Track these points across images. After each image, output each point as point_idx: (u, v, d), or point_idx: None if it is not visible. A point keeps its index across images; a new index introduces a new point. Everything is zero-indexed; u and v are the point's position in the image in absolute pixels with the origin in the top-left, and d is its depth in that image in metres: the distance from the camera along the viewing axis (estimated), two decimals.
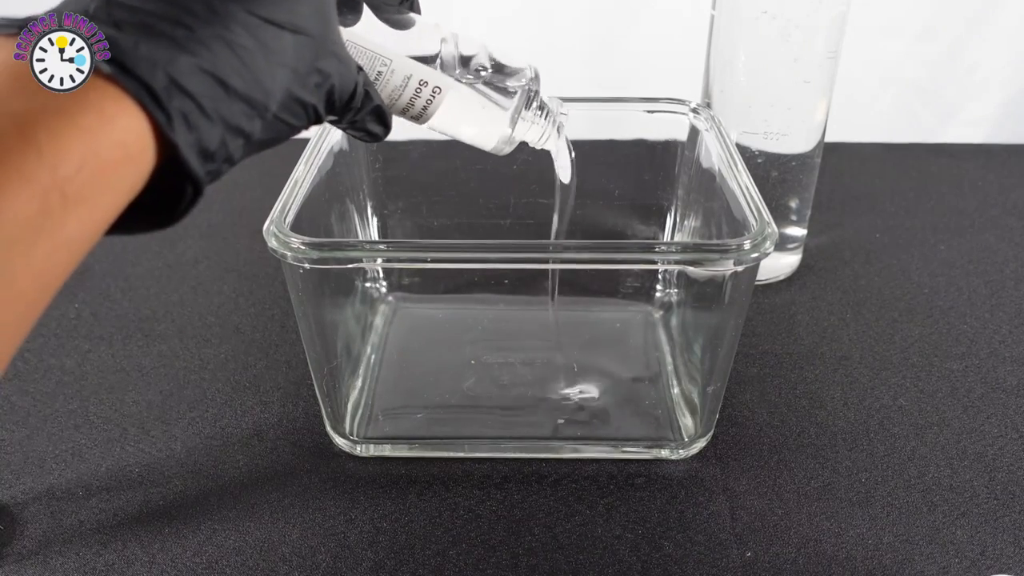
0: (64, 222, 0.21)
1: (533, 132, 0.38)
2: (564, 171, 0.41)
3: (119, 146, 0.22)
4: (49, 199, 0.21)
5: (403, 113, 0.35)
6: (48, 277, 0.22)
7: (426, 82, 0.34)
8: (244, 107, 0.25)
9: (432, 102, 0.35)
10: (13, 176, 0.20)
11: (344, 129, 0.33)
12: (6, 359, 0.22)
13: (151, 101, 0.23)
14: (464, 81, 0.35)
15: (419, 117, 0.35)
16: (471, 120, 0.36)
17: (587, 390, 0.48)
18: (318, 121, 0.30)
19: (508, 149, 0.38)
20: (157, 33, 0.23)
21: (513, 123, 0.37)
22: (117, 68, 0.22)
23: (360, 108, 0.31)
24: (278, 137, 0.28)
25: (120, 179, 0.23)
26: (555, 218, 0.45)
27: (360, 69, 0.31)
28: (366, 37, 0.34)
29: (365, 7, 0.34)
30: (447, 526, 0.44)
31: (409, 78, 0.34)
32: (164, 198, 0.25)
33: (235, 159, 0.26)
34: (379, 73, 0.34)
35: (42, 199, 0.21)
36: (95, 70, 0.22)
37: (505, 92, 0.36)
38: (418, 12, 0.36)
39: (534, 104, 0.37)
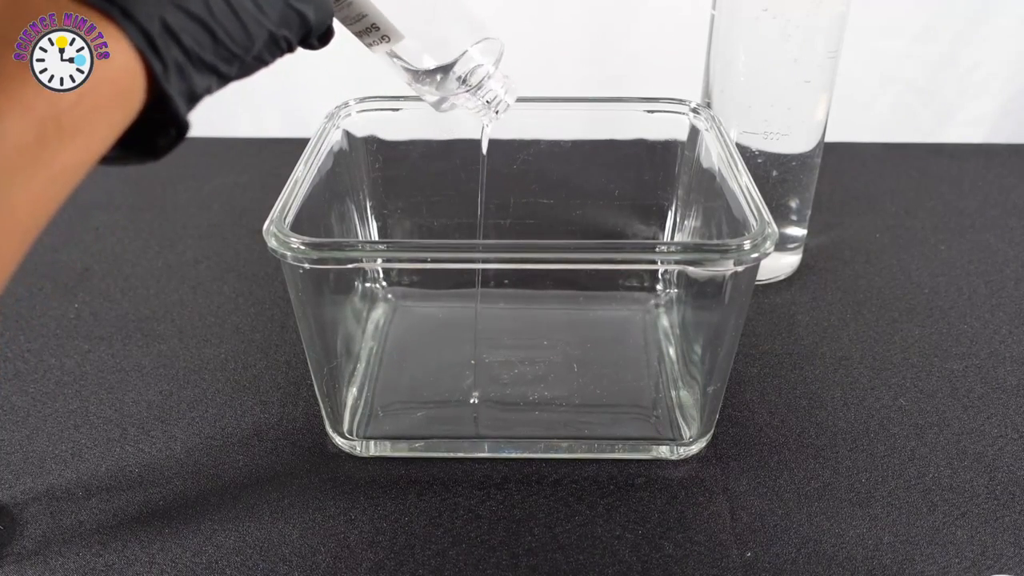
0: (59, 152, 0.22)
1: (466, 102, 0.38)
2: (484, 144, 0.41)
3: (113, 83, 0.23)
4: (46, 129, 0.21)
5: (350, 28, 0.35)
6: (43, 206, 0.22)
7: (377, 27, 0.34)
8: (229, 54, 0.26)
9: (378, 44, 0.34)
10: (14, 104, 0.21)
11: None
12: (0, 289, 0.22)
13: (149, 48, 0.23)
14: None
15: (369, 47, 0.35)
16: (414, 68, 0.35)
17: None
18: (290, 51, 0.30)
19: (444, 107, 0.38)
20: None
21: (440, 93, 0.36)
22: (118, 10, 0.23)
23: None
24: (251, 72, 0.29)
25: (112, 114, 0.23)
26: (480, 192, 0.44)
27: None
28: None
29: None
30: (447, 526, 0.44)
31: (362, 17, 0.33)
32: (147, 133, 0.25)
33: (211, 93, 0.27)
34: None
35: (39, 128, 0.21)
36: (95, 7, 0.23)
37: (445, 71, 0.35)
38: None
39: (465, 85, 0.36)
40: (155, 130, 0.25)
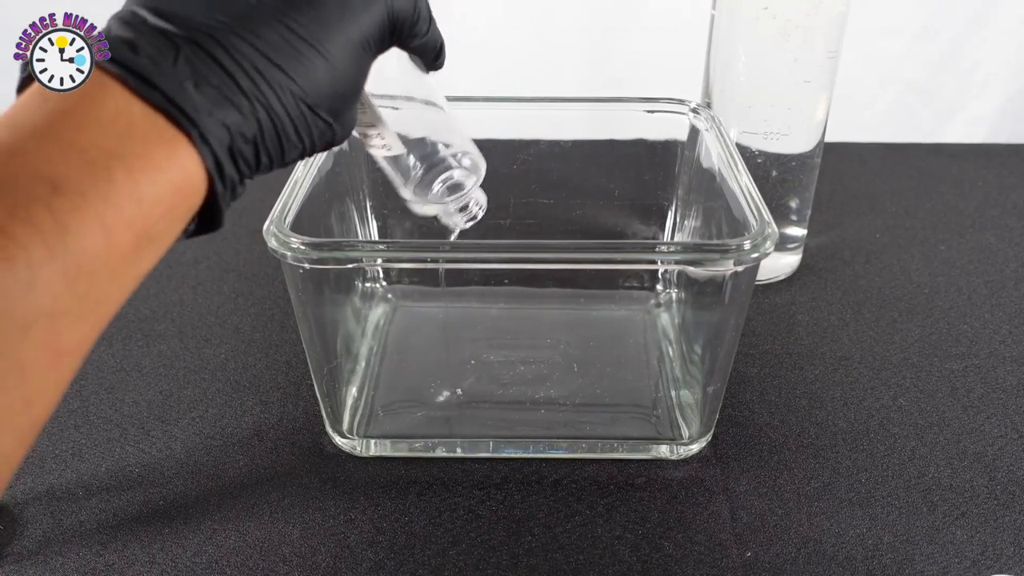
0: (144, 258, 0.25)
1: (445, 208, 0.40)
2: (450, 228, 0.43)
3: (187, 198, 0.26)
4: (141, 240, 0.24)
5: (357, 130, 0.37)
6: (119, 306, 0.25)
7: (381, 137, 0.37)
8: (268, 167, 0.29)
9: (375, 150, 0.37)
10: (121, 218, 0.23)
11: None
12: (71, 377, 0.24)
13: (216, 171, 0.26)
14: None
15: (366, 146, 0.38)
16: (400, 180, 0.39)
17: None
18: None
19: (423, 213, 0.41)
20: (224, 98, 0.26)
21: (425, 199, 0.39)
22: (197, 134, 0.25)
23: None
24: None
25: (183, 222, 0.26)
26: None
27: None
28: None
29: None
30: (447, 526, 0.44)
31: (371, 127, 0.36)
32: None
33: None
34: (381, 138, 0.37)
35: (137, 240, 0.24)
36: (179, 125, 0.25)
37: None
38: (441, 67, 0.38)
39: (448, 194, 0.39)
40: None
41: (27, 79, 0.25)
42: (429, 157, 0.37)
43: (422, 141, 0.37)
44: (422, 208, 0.40)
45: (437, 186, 0.38)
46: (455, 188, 0.38)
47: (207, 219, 0.27)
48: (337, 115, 0.30)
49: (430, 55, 0.36)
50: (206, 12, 0.26)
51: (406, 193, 0.39)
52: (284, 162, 0.29)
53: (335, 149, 0.52)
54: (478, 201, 0.40)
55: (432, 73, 0.38)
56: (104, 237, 0.23)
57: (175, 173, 0.25)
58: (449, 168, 0.37)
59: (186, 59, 0.25)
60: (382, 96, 0.36)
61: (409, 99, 0.37)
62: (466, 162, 0.38)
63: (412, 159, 0.37)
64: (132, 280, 0.25)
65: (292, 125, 0.28)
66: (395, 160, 0.37)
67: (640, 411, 0.52)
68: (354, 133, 0.36)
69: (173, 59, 0.25)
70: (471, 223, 0.41)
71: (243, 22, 0.26)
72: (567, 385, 0.53)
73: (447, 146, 0.37)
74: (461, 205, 0.40)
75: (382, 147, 0.37)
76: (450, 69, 0.38)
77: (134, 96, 0.24)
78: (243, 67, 0.26)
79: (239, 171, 0.27)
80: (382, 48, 0.31)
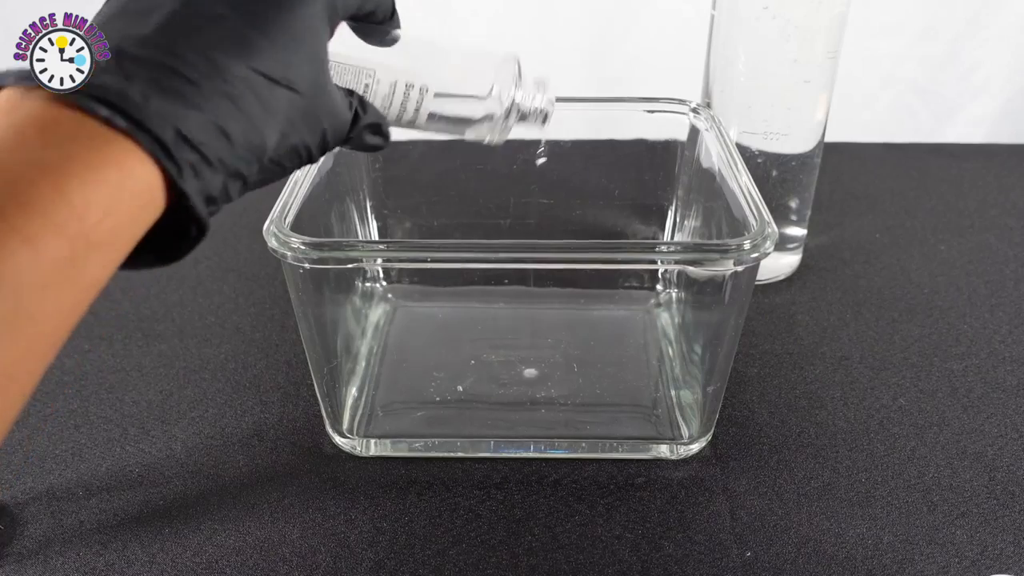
0: (88, 266, 0.23)
1: (512, 120, 0.39)
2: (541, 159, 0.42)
3: (136, 195, 0.24)
4: (76, 245, 0.23)
5: (398, 121, 0.36)
6: (69, 318, 0.24)
7: (412, 84, 0.35)
8: (244, 155, 0.27)
9: (421, 103, 0.35)
10: (48, 225, 0.22)
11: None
12: (21, 401, 0.24)
13: (163, 154, 0.24)
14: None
15: (413, 121, 0.36)
16: (459, 116, 0.37)
17: None
18: (311, 161, 0.31)
19: (501, 138, 0.39)
20: (166, 88, 0.25)
21: (494, 115, 0.37)
22: (132, 123, 0.24)
23: (355, 134, 0.33)
24: (274, 177, 0.31)
25: (136, 224, 0.25)
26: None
27: (351, 93, 0.32)
28: (346, 52, 0.34)
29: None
30: (447, 526, 0.44)
31: (395, 84, 0.35)
32: (168, 236, 0.27)
33: (233, 199, 0.28)
34: (366, 86, 0.35)
35: (71, 245, 0.23)
36: (110, 123, 0.24)
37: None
38: (398, 27, 0.36)
39: (507, 106, 0.38)
40: (176, 234, 0.27)
41: None
42: (467, 83, 0.36)
43: (449, 74, 0.36)
44: (496, 128, 0.38)
45: (513, 119, 0.37)
46: (508, 95, 0.37)
47: (182, 216, 0.26)
48: (308, 87, 0.29)
49: (383, 16, 0.35)
50: (153, 37, 0.26)
51: (474, 131, 0.37)
52: (272, 155, 0.28)
53: (335, 149, 0.52)
54: (538, 88, 0.39)
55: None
56: (26, 246, 0.22)
57: (110, 172, 0.23)
58: (492, 83, 0.36)
59: (119, 66, 0.25)
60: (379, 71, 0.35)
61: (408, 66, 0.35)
62: (499, 64, 0.37)
63: (451, 93, 0.36)
64: (76, 291, 0.23)
65: (258, 104, 0.27)
66: (439, 109, 0.36)
67: (640, 411, 0.52)
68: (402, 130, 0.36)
69: (110, 68, 0.24)
70: (550, 112, 0.40)
71: (181, 29, 0.26)
72: (567, 385, 0.53)
73: (472, 62, 0.36)
74: (527, 104, 0.38)
75: (419, 109, 0.36)
76: None
77: (62, 105, 0.24)
78: (185, 59, 0.25)
79: (199, 152, 0.25)
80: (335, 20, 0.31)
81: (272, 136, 0.28)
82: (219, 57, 0.26)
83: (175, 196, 0.25)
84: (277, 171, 0.30)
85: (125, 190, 0.24)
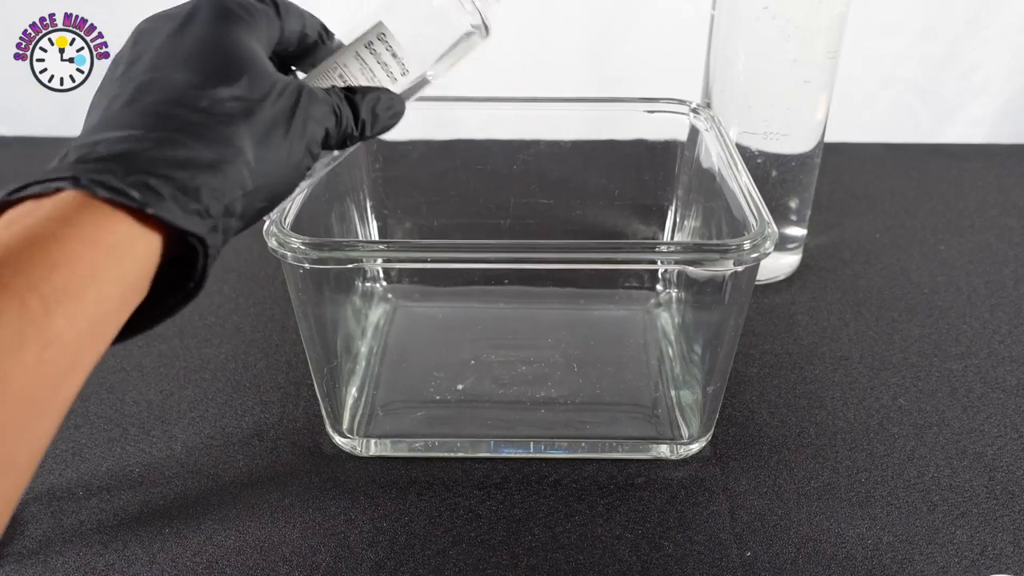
0: (50, 321, 0.22)
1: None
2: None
3: (94, 243, 0.24)
4: (27, 301, 0.22)
5: (399, 83, 0.36)
6: (47, 376, 0.23)
7: (369, 41, 0.35)
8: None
9: (393, 48, 0.35)
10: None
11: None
12: (16, 460, 0.22)
13: (123, 197, 0.24)
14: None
15: (412, 73, 0.36)
16: (425, 28, 0.36)
17: None
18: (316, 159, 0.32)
19: (486, 18, 0.37)
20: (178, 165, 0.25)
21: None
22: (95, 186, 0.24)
23: (363, 132, 0.34)
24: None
25: (104, 272, 0.24)
26: None
27: (337, 113, 0.32)
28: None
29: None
30: (447, 526, 0.44)
31: (358, 54, 0.35)
32: (181, 274, 0.27)
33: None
34: (340, 76, 0.35)
35: (20, 302, 0.22)
36: (57, 189, 0.24)
37: None
38: (332, 39, 0.37)
39: None
40: (186, 269, 0.27)
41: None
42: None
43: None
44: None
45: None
46: None
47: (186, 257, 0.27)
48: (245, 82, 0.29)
49: (314, 35, 0.35)
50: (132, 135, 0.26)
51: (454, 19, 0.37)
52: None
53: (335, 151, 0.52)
54: None
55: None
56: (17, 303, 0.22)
57: (54, 225, 0.23)
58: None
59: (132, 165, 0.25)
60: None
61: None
62: None
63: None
64: (38, 349, 0.22)
65: (200, 117, 0.27)
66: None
67: (640, 411, 0.52)
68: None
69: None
70: None
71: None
72: (567, 385, 0.53)
73: None
74: None
75: (381, 39, 0.35)
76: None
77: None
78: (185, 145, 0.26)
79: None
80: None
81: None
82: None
83: (171, 238, 0.26)
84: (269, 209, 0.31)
85: (76, 240, 0.24)
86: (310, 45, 0.35)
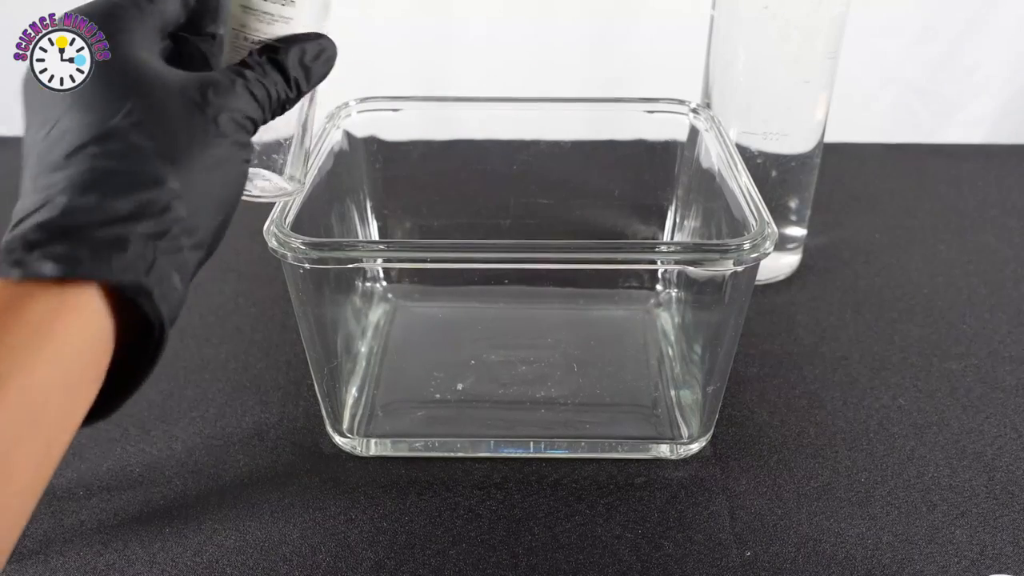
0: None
1: None
2: None
3: (16, 325, 0.23)
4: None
5: (293, 7, 0.33)
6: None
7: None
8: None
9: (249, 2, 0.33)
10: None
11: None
12: None
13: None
14: None
15: (289, 16, 0.34)
16: None
17: None
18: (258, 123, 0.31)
19: None
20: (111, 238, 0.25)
21: None
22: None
23: (299, 91, 0.32)
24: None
25: (32, 353, 0.23)
26: None
27: (254, 92, 0.31)
28: None
29: None
30: (447, 526, 0.44)
31: (243, 3, 0.33)
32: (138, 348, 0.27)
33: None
34: (246, 38, 0.33)
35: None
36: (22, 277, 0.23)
37: None
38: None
39: None
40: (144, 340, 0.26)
41: None
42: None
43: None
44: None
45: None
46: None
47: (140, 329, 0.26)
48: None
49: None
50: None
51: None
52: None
53: (335, 149, 0.52)
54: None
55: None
56: None
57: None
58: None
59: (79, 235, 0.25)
60: None
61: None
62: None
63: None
64: None
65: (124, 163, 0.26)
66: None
67: (640, 411, 0.52)
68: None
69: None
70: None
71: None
72: (567, 385, 0.53)
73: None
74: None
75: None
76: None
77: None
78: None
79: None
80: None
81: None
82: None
83: (123, 314, 0.25)
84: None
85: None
86: (199, 5, 0.32)
